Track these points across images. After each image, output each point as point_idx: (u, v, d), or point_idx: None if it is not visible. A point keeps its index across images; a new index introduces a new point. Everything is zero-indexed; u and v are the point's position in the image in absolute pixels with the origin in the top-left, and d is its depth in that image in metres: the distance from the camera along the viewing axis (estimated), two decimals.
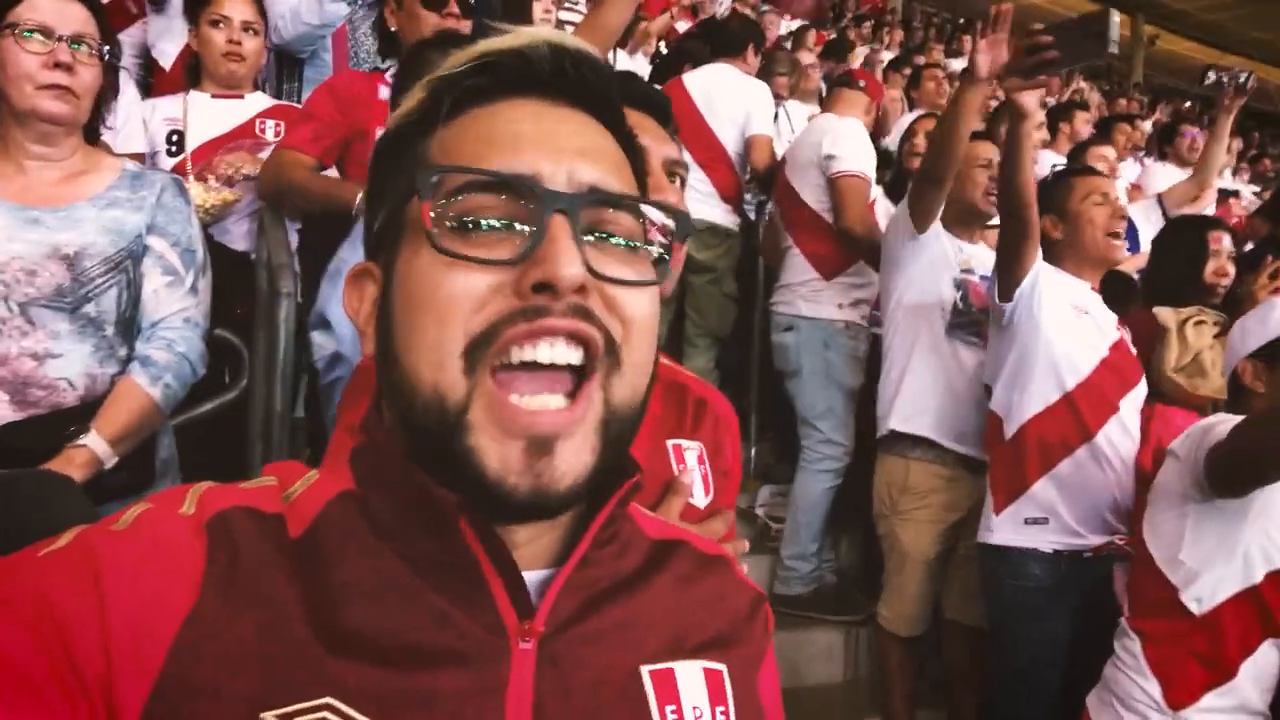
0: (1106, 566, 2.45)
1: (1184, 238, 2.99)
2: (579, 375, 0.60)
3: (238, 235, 2.64)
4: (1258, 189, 8.25)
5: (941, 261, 2.96)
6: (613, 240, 0.62)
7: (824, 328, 3.52)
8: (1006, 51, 2.32)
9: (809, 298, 3.56)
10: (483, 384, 0.58)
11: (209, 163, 2.60)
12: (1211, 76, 3.69)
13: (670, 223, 0.67)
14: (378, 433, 0.65)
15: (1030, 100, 2.09)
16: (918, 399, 2.94)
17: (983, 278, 2.97)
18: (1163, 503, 2.03)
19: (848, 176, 3.45)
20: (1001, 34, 2.37)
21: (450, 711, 0.58)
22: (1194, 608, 1.92)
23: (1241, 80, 3.71)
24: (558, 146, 0.62)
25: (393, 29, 2.60)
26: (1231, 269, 2.90)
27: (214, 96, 2.71)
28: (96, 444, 1.66)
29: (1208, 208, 4.85)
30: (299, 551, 0.60)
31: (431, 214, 0.59)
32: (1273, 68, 18.20)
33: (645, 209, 0.65)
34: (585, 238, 0.60)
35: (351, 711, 0.56)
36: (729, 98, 3.98)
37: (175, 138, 2.67)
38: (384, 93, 2.39)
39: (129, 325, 1.81)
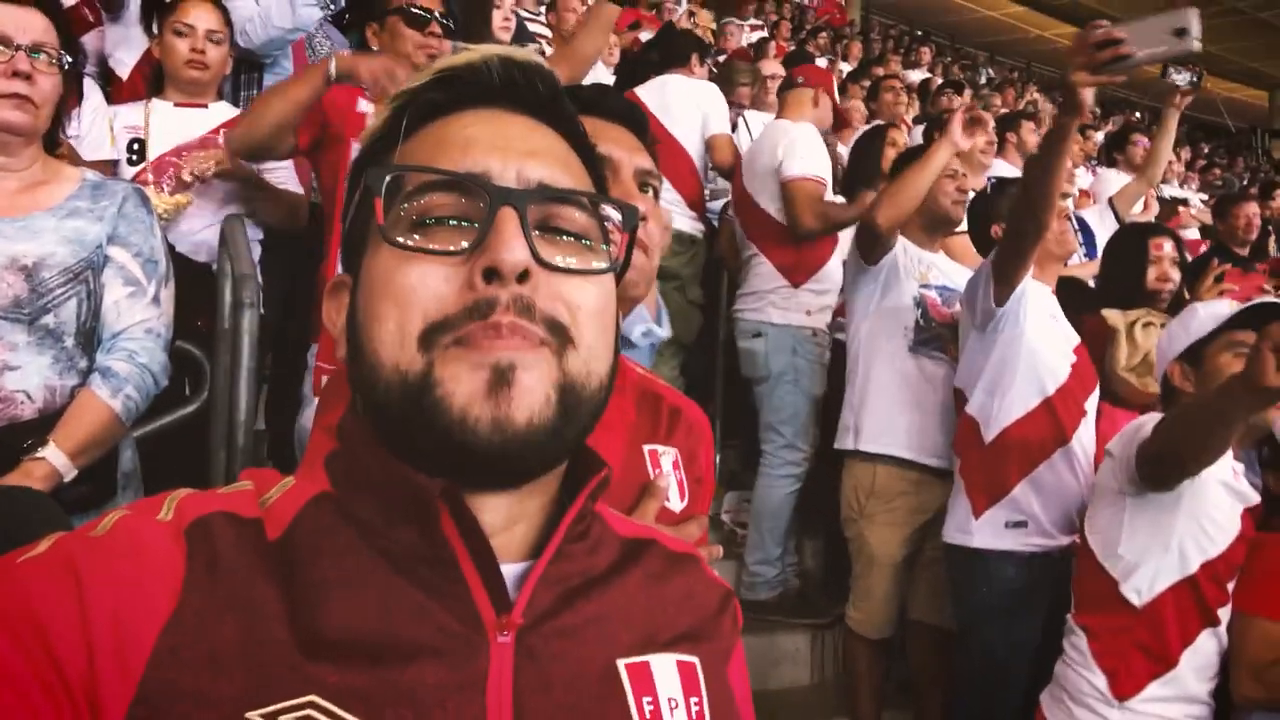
0: (1069, 566, 2.50)
1: (1127, 245, 3.06)
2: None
3: (200, 248, 2.62)
4: (1205, 197, 8.46)
5: (902, 277, 3.00)
6: (565, 236, 0.65)
7: (793, 334, 3.57)
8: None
9: (779, 304, 3.60)
10: (443, 353, 0.60)
11: (169, 168, 2.58)
12: (1172, 73, 3.76)
13: (618, 215, 0.69)
14: (353, 433, 0.66)
15: (1087, 97, 2.05)
16: (883, 417, 2.98)
17: (940, 289, 3.02)
18: (1101, 500, 2.11)
19: (797, 180, 3.50)
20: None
21: (432, 704, 0.58)
22: (1134, 599, 1.99)
23: (1196, 80, 3.80)
24: (507, 147, 0.65)
25: (375, 49, 2.60)
26: (1175, 274, 2.97)
27: (177, 105, 2.68)
28: (55, 457, 1.64)
29: (1151, 212, 4.99)
30: (277, 554, 0.61)
31: (385, 210, 0.62)
32: (1220, 79, 18.70)
33: (591, 203, 0.67)
34: (536, 232, 0.62)
35: (335, 708, 0.56)
36: (684, 103, 4.02)
37: (136, 146, 2.63)
38: (363, 105, 2.40)
39: (89, 337, 1.79)
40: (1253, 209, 4.74)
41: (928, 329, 3.00)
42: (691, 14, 8.56)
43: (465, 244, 0.61)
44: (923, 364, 2.98)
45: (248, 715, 0.55)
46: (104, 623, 0.55)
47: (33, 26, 1.72)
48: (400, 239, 0.62)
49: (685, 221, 4.00)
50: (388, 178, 0.63)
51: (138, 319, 1.81)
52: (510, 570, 0.64)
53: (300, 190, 2.87)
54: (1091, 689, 2.00)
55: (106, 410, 1.71)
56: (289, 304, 3.27)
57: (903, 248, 3.02)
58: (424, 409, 0.60)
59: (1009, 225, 2.44)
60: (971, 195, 3.10)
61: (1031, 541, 2.54)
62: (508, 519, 0.65)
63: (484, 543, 0.61)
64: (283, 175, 2.83)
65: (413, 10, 2.53)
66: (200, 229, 2.62)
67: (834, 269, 3.64)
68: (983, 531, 2.57)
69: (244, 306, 2.14)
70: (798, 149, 3.57)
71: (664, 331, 1.30)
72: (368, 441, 0.64)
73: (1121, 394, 2.76)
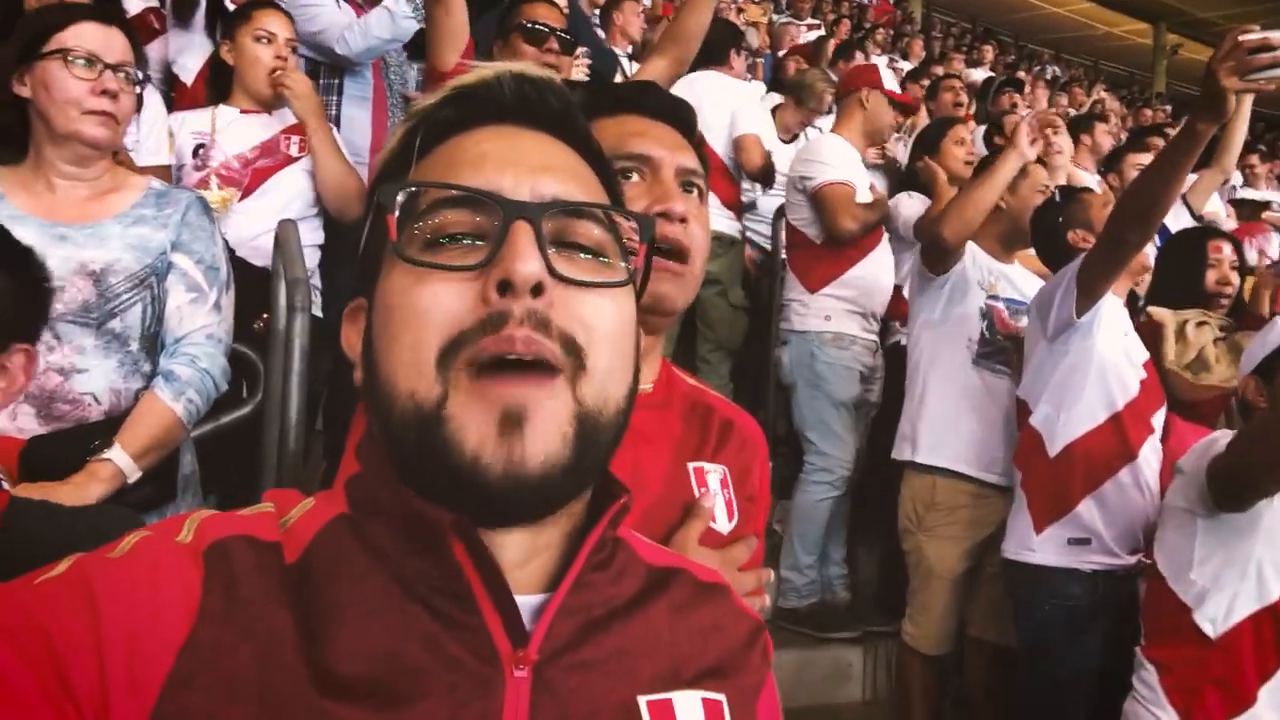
0: (1135, 583, 2.43)
1: (1186, 247, 2.95)
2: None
3: (260, 252, 2.66)
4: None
5: (970, 288, 2.95)
6: (581, 253, 0.64)
7: (811, 340, 3.55)
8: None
9: (798, 311, 3.61)
10: (457, 380, 0.59)
11: (232, 173, 2.64)
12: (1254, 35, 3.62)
13: (634, 225, 0.68)
14: (370, 458, 0.65)
15: (1231, 106, 1.93)
16: (942, 429, 2.94)
17: (1009, 301, 2.96)
18: (1171, 520, 2.04)
19: (826, 186, 3.49)
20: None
21: None
22: (1209, 629, 1.91)
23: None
24: (520, 162, 0.65)
25: None
26: (1235, 279, 2.87)
27: (243, 112, 2.73)
28: (120, 458, 1.67)
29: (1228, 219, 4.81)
30: (294, 577, 0.61)
31: (399, 228, 0.62)
32: None
33: (605, 216, 0.66)
34: (552, 249, 0.61)
35: None
36: (716, 105, 3.98)
37: (200, 151, 2.69)
38: None
39: (153, 341, 1.83)
40: None
41: (992, 341, 2.94)
42: (740, 10, 8.49)
43: (479, 260, 0.60)
44: (985, 377, 2.93)
45: None
46: (118, 645, 0.55)
47: (117, 46, 1.79)
48: (413, 255, 0.61)
49: (722, 222, 3.99)
50: (401, 195, 0.62)
51: (199, 324, 1.85)
52: (528, 601, 0.63)
53: (357, 174, 2.88)
54: None
55: (169, 413, 1.75)
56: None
57: (972, 258, 2.97)
58: (436, 445, 0.59)
59: (1107, 234, 2.33)
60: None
61: (1094, 560, 2.48)
62: (527, 553, 0.64)
63: (498, 576, 0.60)
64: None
65: (532, 26, 2.65)
66: (260, 233, 2.66)
67: (868, 275, 3.59)
68: (1044, 548, 2.51)
69: (296, 310, 2.16)
70: (822, 158, 3.58)
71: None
72: (383, 468, 0.63)
73: (1174, 390, 2.66)
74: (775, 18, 9.36)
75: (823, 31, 9.13)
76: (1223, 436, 1.96)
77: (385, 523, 0.63)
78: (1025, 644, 2.60)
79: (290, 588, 0.60)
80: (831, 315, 3.54)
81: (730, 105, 4.02)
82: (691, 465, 1.12)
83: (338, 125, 3.17)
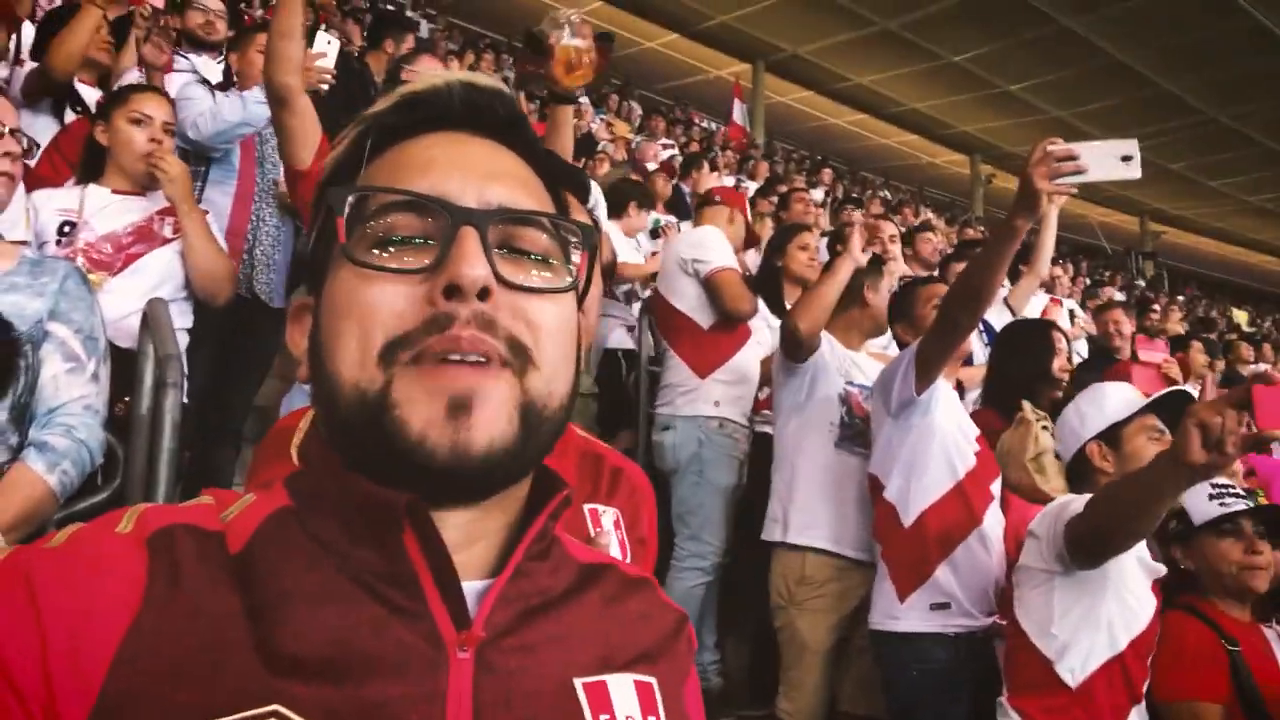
0: (989, 647, 2.57)
1: (1032, 335, 3.21)
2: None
3: (125, 332, 2.58)
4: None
5: (831, 375, 3.13)
6: (527, 256, 0.66)
7: (700, 425, 3.62)
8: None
9: (686, 397, 3.68)
10: (401, 369, 0.61)
11: (99, 254, 2.57)
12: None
13: (579, 236, 0.69)
14: (315, 455, 0.67)
15: (1044, 205, 2.11)
16: (810, 510, 3.05)
17: (862, 387, 3.15)
18: (1029, 582, 2.16)
19: (719, 272, 3.67)
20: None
21: (393, 718, 0.58)
22: (1069, 679, 2.04)
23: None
24: (468, 168, 0.66)
25: None
26: (1070, 365, 3.16)
27: (114, 191, 2.69)
28: None
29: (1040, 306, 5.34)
30: (239, 567, 0.61)
31: (348, 230, 0.63)
32: (1094, 205, 20.19)
33: (551, 224, 0.68)
34: (499, 251, 0.64)
35: (298, 718, 0.56)
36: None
37: (67, 229, 2.62)
38: None
39: (23, 412, 1.75)
40: (1122, 315, 5.15)
41: (851, 425, 3.11)
42: (609, 125, 8.93)
43: (426, 262, 0.62)
44: (845, 459, 3.08)
45: None
46: (60, 633, 0.55)
47: (9, 111, 1.77)
48: (361, 257, 0.62)
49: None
50: (350, 198, 0.64)
51: (76, 394, 1.79)
52: (471, 587, 0.64)
53: (228, 257, 2.87)
54: None
55: (42, 485, 1.67)
56: (215, 396, 3.23)
57: (830, 346, 3.17)
58: (382, 429, 0.60)
59: (941, 319, 2.54)
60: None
61: (956, 623, 2.60)
62: (469, 536, 0.66)
63: (446, 559, 0.62)
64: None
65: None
66: (128, 313, 2.58)
67: (745, 362, 3.75)
68: (909, 615, 2.62)
69: (167, 386, 2.12)
70: (713, 245, 3.77)
71: None
72: (328, 460, 0.65)
73: (1016, 485, 2.80)
74: (634, 138, 9.92)
75: (675, 151, 9.68)
76: (1074, 500, 2.09)
77: (330, 514, 0.64)
78: (894, 711, 2.68)
79: (235, 576, 0.60)
80: (720, 402, 3.64)
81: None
82: (587, 507, 1.19)
83: None
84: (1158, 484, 1.76)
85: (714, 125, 14.69)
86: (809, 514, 3.05)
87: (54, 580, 0.56)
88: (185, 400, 2.48)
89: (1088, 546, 2.00)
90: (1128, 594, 2.06)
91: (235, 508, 0.65)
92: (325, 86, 3.35)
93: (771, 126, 17.74)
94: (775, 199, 7.92)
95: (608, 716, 0.66)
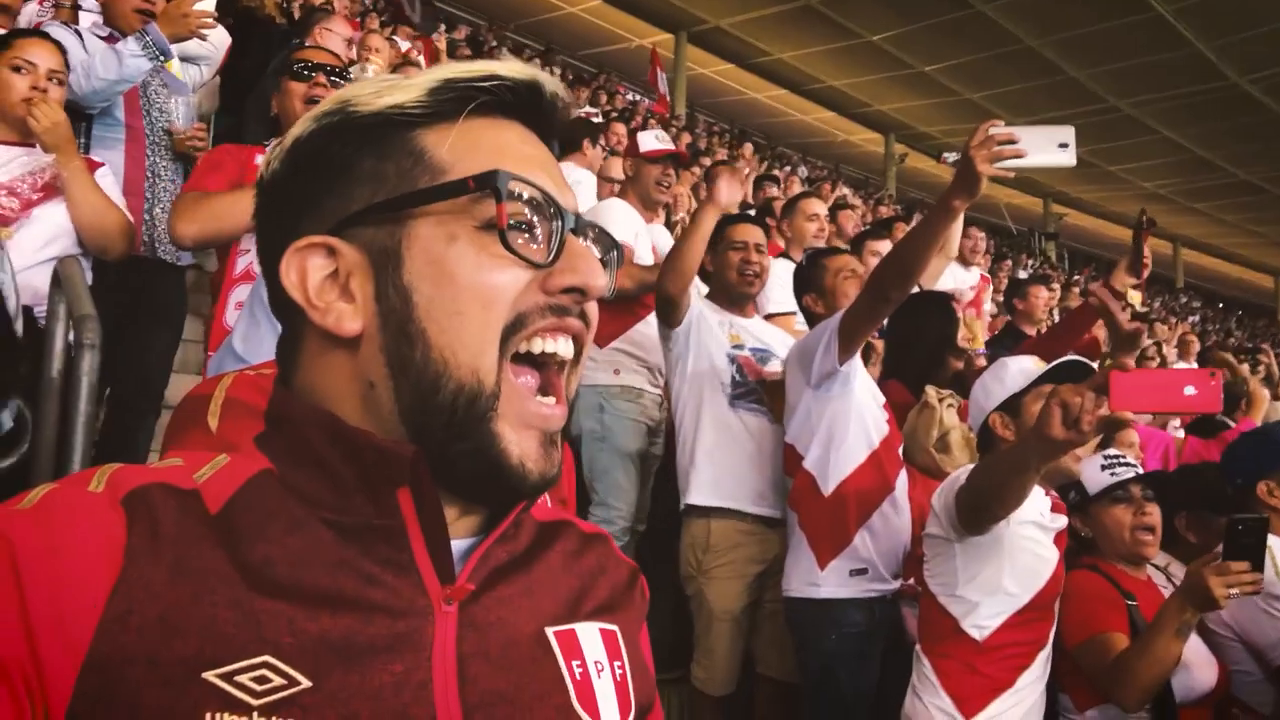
0: (898, 609, 2.68)
1: (934, 307, 3.27)
2: (557, 370, 0.70)
3: (21, 289, 2.46)
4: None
5: (712, 336, 3.13)
6: None
7: (600, 393, 3.63)
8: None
9: (588, 365, 3.65)
10: (507, 372, 0.65)
11: None
12: (948, 157, 4.24)
13: (614, 251, 0.76)
14: (296, 414, 0.67)
15: (983, 186, 2.13)
16: (713, 471, 3.07)
17: (753, 350, 3.17)
18: (933, 549, 2.26)
19: None
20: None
21: (380, 667, 0.60)
22: (975, 635, 2.15)
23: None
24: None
25: (274, 113, 2.66)
26: (972, 334, 3.27)
27: (2, 143, 2.55)
28: None
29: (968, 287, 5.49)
30: (220, 525, 0.61)
31: (508, 215, 0.64)
32: (1002, 186, 20.88)
33: (593, 233, 0.74)
34: None
35: (288, 668, 0.57)
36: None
37: None
38: (259, 159, 2.46)
39: None
40: (1045, 293, 5.30)
41: (744, 384, 3.13)
42: None
43: (542, 257, 0.66)
44: (743, 416, 3.10)
45: (204, 676, 0.55)
46: (43, 598, 0.54)
47: None
48: (514, 245, 0.64)
49: None
50: (509, 183, 0.64)
51: None
52: (456, 545, 0.67)
53: (124, 211, 2.74)
54: (940, 712, 2.14)
55: None
56: (126, 361, 3.10)
57: (707, 308, 3.18)
58: (484, 434, 0.64)
59: (870, 291, 2.56)
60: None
61: (872, 587, 2.68)
62: (465, 508, 0.69)
63: (439, 516, 0.65)
64: (108, 184, 2.72)
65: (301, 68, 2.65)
66: (23, 268, 2.46)
67: (650, 332, 3.67)
68: (828, 581, 2.67)
69: (84, 348, 2.03)
70: (604, 220, 3.69)
71: None
72: (319, 419, 0.65)
73: (923, 466, 2.92)
74: None
75: (599, 119, 9.61)
76: (963, 472, 2.19)
77: (317, 471, 0.65)
78: (812, 675, 2.72)
79: (217, 533, 0.60)
80: (620, 369, 3.65)
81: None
82: None
83: None
84: (1024, 457, 1.89)
85: (637, 96, 14.65)
86: (711, 474, 3.08)
87: (32, 542, 0.55)
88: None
89: (971, 513, 2.11)
90: (1022, 554, 2.17)
91: (208, 469, 0.65)
92: (206, 34, 3.23)
93: (693, 98, 17.79)
94: (697, 171, 7.97)
95: (579, 662, 0.70)
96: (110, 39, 3.18)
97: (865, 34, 15.33)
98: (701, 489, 3.08)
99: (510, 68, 0.69)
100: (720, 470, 3.07)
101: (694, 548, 3.10)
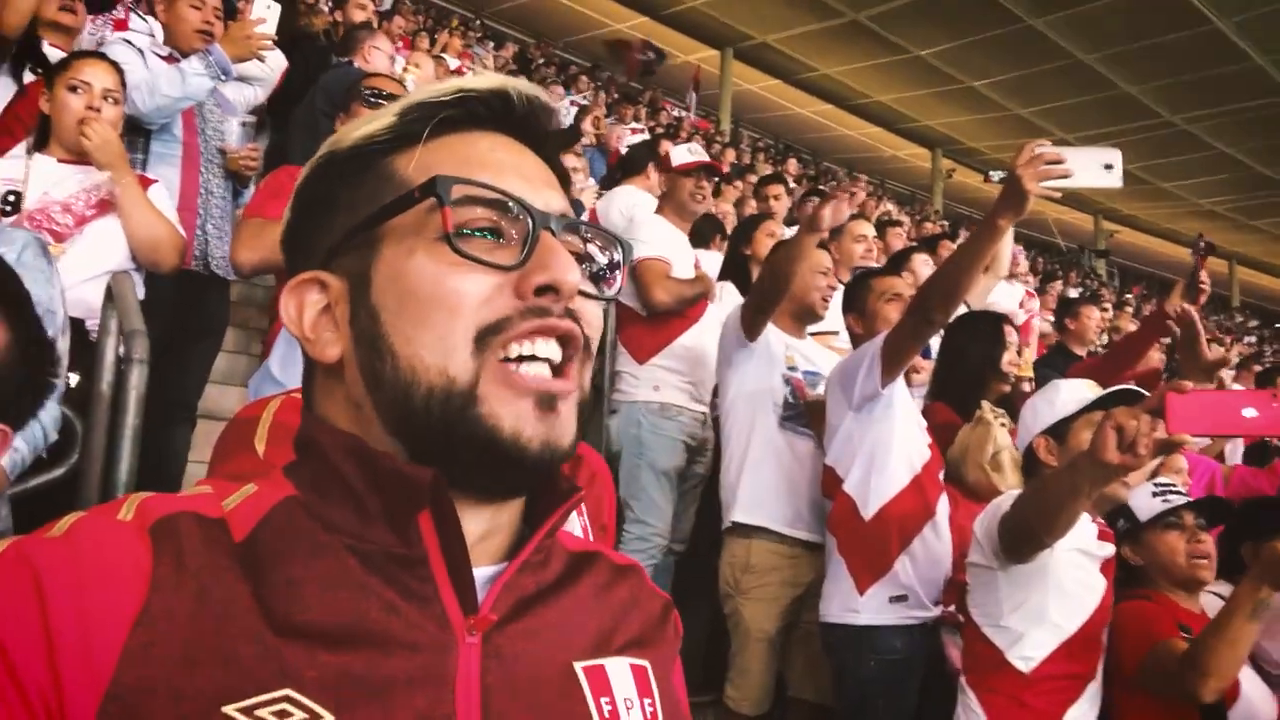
0: (938, 636, 2.63)
1: (983, 329, 3.20)
2: (557, 369, 0.67)
3: (74, 303, 2.53)
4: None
5: (775, 358, 3.14)
6: (581, 264, 0.70)
7: (639, 409, 3.63)
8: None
9: (629, 382, 3.71)
10: (489, 363, 0.63)
11: (44, 222, 2.52)
12: (996, 175, 4.15)
13: (618, 250, 0.74)
14: (323, 442, 0.67)
15: (1030, 206, 2.11)
16: (757, 490, 3.07)
17: (806, 373, 3.18)
18: (976, 578, 2.22)
19: (640, 261, 3.66)
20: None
21: (403, 701, 0.59)
22: (1022, 667, 2.10)
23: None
24: (531, 176, 0.69)
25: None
26: (1019, 359, 3.21)
27: (60, 161, 2.63)
28: None
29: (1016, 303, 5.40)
30: (245, 554, 0.61)
31: (464, 220, 0.65)
32: (1050, 203, 20.56)
33: (603, 237, 0.73)
34: None
35: (310, 702, 0.57)
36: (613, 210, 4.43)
37: (12, 198, 2.55)
38: None
39: None
40: (1098, 313, 5.19)
41: (795, 406, 3.13)
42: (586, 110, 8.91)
43: (512, 259, 0.65)
44: (791, 439, 3.11)
45: (224, 710, 0.55)
46: (67, 627, 0.54)
47: None
48: (463, 248, 0.63)
49: None
50: (452, 187, 0.64)
51: None
52: (480, 573, 0.66)
53: (179, 228, 2.81)
54: None
55: None
56: (169, 372, 3.18)
57: (774, 333, 3.17)
58: (470, 420, 0.63)
59: (913, 314, 2.51)
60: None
61: (912, 614, 2.63)
62: (489, 529, 0.68)
63: (460, 542, 0.64)
64: (162, 199, 2.80)
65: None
66: (76, 283, 2.53)
67: (695, 347, 3.72)
68: (868, 607, 2.62)
69: (133, 362, 2.08)
70: (640, 235, 3.74)
71: None
72: (347, 447, 0.65)
73: (974, 484, 2.85)
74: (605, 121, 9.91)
75: (645, 134, 9.65)
76: (1007, 498, 2.14)
77: (342, 500, 0.65)
78: (850, 703, 2.67)
79: (241, 563, 0.60)
80: (660, 386, 3.64)
81: (626, 213, 4.43)
82: None
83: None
84: (1076, 482, 1.82)
85: (682, 113, 14.67)
86: (757, 494, 3.07)
87: (58, 571, 0.56)
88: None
89: (1015, 540, 2.05)
90: (1070, 582, 2.12)
91: (236, 496, 0.65)
92: (265, 54, 3.29)
93: (737, 113, 17.77)
94: (739, 186, 7.96)
95: (607, 699, 0.68)
96: (170, 59, 3.27)
97: (913, 49, 15.20)
98: (744, 507, 3.07)
99: (479, 80, 0.70)
100: (764, 490, 3.06)
101: (733, 566, 3.09)
